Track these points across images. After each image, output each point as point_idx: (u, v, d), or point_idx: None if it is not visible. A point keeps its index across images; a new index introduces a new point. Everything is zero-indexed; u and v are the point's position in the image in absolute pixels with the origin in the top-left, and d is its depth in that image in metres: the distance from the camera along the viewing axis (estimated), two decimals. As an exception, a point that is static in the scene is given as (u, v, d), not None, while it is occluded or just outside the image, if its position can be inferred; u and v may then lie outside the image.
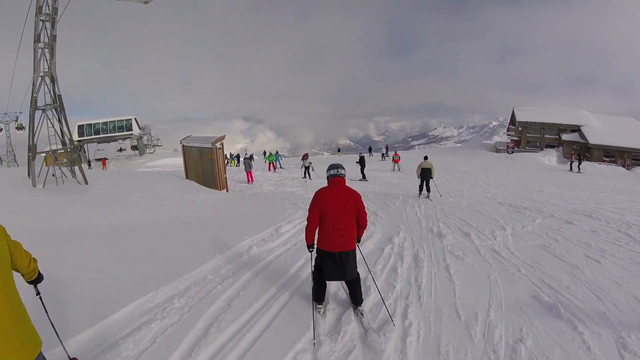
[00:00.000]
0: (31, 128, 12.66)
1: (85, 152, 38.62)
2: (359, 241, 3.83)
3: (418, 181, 11.64)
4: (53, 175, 12.22)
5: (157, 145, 44.23)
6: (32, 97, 12.67)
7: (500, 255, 5.68)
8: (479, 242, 6.38)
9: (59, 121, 13.02)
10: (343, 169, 3.73)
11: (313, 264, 3.83)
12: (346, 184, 3.73)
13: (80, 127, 37.87)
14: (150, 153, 41.56)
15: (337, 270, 3.59)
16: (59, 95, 13.00)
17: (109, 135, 38.64)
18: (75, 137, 37.43)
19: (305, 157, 21.12)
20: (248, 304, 3.94)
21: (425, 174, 11.38)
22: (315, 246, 3.72)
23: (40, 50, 12.72)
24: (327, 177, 3.75)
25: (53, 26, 13.10)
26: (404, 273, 4.92)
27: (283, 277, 4.72)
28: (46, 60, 12.94)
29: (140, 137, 40.73)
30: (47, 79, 12.92)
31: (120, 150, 40.67)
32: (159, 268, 4.77)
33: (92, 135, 38.05)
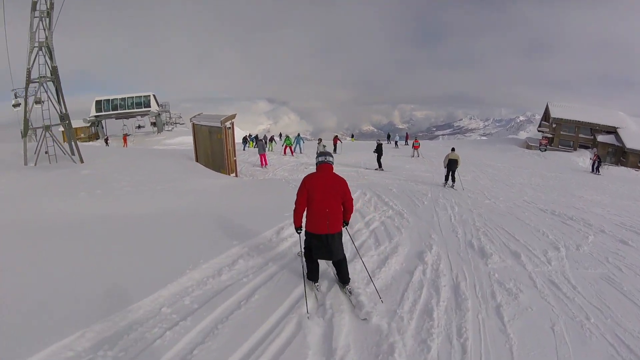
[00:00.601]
0: (25, 102, 11.87)
1: (102, 128, 38.32)
2: (347, 224, 4.00)
3: (444, 172, 12.20)
4: (46, 152, 11.41)
5: (180, 123, 43.56)
6: (27, 70, 11.78)
7: (561, 290, 4.29)
8: (532, 268, 4.94)
9: (56, 95, 12.09)
10: (331, 156, 3.95)
11: (303, 245, 4.00)
12: (333, 171, 3.91)
13: (98, 103, 37.47)
14: (168, 130, 40.92)
15: (324, 252, 3.76)
16: (55, 67, 11.98)
17: (127, 111, 38.11)
18: (93, 113, 37.18)
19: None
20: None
21: (451, 165, 11.93)
22: (304, 229, 3.86)
23: (37, 19, 11.73)
24: (316, 164, 3.93)
25: (52, -6, 12.01)
26: (441, 319, 3.48)
27: (268, 319, 3.34)
28: (44, 29, 11.94)
29: (159, 114, 40.07)
30: (44, 49, 11.93)
31: (139, 127, 40.17)
32: (102, 289, 3.54)
33: (110, 110, 37.62)
